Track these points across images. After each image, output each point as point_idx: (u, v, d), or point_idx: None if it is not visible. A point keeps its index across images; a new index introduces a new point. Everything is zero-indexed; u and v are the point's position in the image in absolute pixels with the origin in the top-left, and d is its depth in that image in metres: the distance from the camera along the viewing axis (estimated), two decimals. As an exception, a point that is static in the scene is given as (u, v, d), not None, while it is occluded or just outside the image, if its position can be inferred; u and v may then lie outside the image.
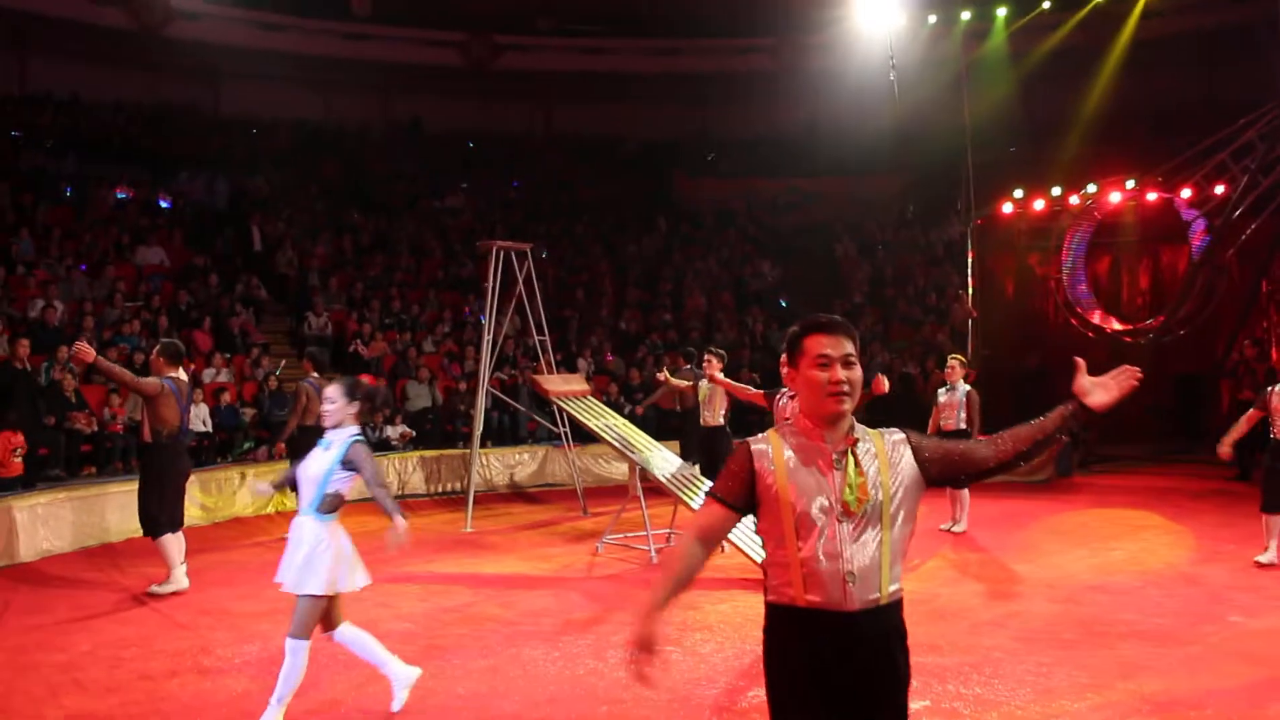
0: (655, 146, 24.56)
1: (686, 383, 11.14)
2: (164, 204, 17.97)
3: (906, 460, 2.81)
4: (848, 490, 2.71)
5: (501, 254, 11.74)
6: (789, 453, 2.77)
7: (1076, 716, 5.05)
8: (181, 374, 7.95)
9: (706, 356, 9.86)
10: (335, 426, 4.90)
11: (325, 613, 4.87)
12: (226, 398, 12.65)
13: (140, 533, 9.83)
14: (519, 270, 11.86)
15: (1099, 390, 2.79)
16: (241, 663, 5.95)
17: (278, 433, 11.54)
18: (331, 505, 4.84)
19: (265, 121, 22.17)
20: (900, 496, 2.77)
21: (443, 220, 20.80)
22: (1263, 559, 8.23)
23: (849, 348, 2.78)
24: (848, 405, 2.76)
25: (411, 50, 23.24)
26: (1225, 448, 8.27)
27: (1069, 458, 13.78)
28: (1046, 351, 17.19)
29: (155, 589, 7.75)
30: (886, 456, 2.79)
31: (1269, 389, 8.22)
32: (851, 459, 2.74)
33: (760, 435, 2.86)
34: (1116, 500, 11.72)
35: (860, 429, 2.82)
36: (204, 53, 20.59)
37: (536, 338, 12.11)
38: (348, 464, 4.80)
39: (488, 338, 11.57)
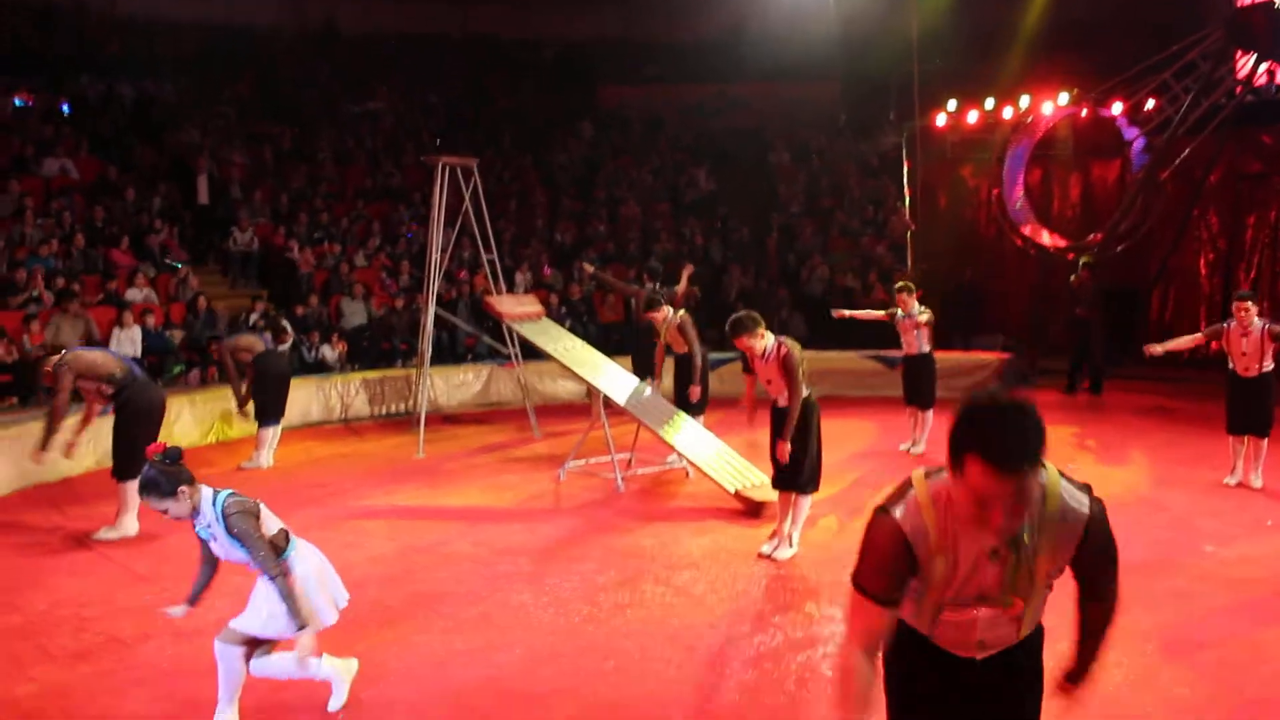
0: (575, 49, 23.75)
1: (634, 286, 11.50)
2: (65, 109, 16.74)
3: (1072, 543, 2.39)
4: (1003, 593, 2.41)
5: (446, 169, 11.20)
6: (944, 528, 2.37)
7: (1085, 658, 5.05)
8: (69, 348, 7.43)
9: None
10: (192, 515, 4.15)
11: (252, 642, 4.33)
12: (153, 320, 11.98)
13: (75, 471, 9.40)
14: (464, 186, 11.33)
15: None
16: (216, 619, 5.57)
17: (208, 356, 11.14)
18: (277, 552, 4.22)
19: (165, 23, 20.64)
20: (1053, 577, 2.47)
21: (363, 126, 19.86)
22: (1230, 480, 8.44)
23: (1017, 486, 2.17)
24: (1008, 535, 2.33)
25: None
26: (1156, 349, 8.44)
27: (1012, 373, 13.95)
28: (979, 265, 17.35)
29: (102, 534, 7.32)
30: (1053, 535, 2.36)
31: (1225, 324, 8.31)
32: (1015, 549, 2.36)
33: (908, 502, 2.40)
34: (1062, 418, 11.88)
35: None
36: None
37: (485, 257, 11.64)
38: (236, 536, 4.10)
39: (435, 257, 11.08)
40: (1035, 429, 2.16)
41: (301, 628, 4.16)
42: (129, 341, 11.45)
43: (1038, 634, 2.62)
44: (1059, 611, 2.75)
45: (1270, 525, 7.38)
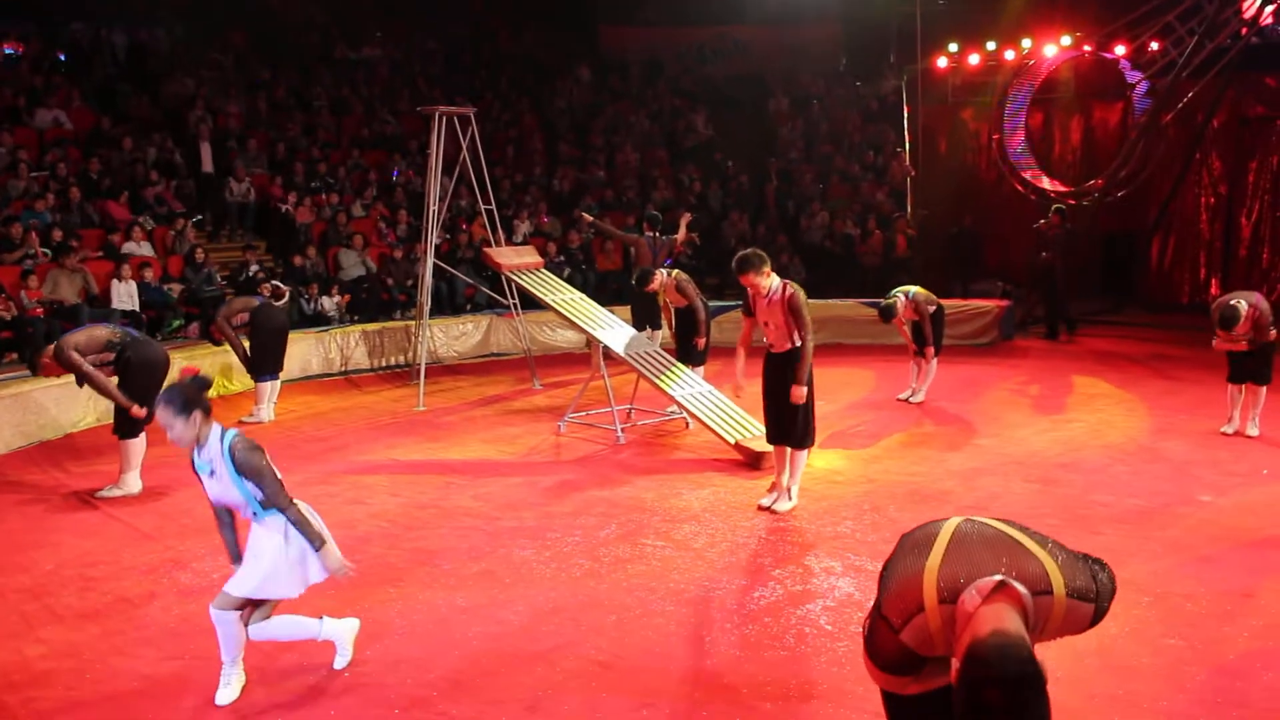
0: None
1: (634, 235, 11.83)
2: (61, 58, 16.52)
3: (1080, 627, 2.57)
4: None
5: (443, 119, 11.09)
6: (953, 637, 2.39)
7: (1080, 611, 5.10)
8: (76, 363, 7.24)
9: None
10: (195, 445, 4.13)
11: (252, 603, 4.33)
12: (150, 274, 11.93)
13: (77, 427, 9.44)
14: (462, 135, 11.22)
15: None
16: (221, 578, 5.60)
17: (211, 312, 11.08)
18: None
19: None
20: None
21: (358, 74, 19.59)
22: (1227, 429, 8.50)
23: None
24: None
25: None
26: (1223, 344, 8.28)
27: (1011, 320, 13.94)
28: (978, 210, 17.25)
29: (105, 492, 7.36)
30: (1061, 630, 2.53)
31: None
32: None
33: (914, 623, 2.43)
34: (1061, 365, 11.90)
35: None
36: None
37: (484, 207, 11.57)
38: (247, 473, 4.11)
39: (432, 208, 11.01)
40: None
41: (319, 548, 4.24)
42: (126, 296, 11.42)
43: None
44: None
45: (1266, 474, 7.43)
